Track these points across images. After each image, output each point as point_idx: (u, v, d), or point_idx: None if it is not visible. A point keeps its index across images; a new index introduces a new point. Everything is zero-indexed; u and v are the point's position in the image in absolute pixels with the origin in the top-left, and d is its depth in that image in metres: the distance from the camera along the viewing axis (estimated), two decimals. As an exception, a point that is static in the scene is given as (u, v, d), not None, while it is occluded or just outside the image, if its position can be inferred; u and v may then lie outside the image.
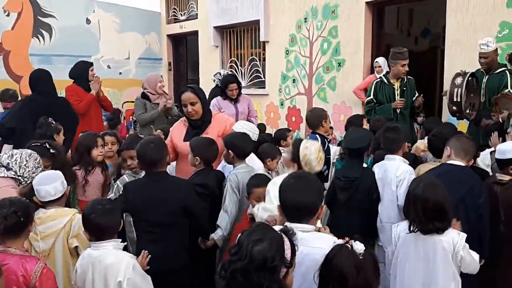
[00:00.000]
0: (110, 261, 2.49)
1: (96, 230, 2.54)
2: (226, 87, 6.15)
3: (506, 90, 4.75)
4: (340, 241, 2.03)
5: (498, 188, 3.32)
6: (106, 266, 2.47)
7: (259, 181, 3.29)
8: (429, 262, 2.66)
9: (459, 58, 6.05)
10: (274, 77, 8.74)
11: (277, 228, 1.95)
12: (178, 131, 4.15)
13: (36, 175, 3.08)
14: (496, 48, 5.09)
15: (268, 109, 9.02)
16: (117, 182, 3.72)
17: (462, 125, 5.92)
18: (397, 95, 5.53)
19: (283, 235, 1.87)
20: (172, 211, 3.02)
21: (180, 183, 3.26)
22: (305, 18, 8.02)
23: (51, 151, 3.51)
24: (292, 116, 8.42)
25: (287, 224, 2.19)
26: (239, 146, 3.63)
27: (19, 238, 2.52)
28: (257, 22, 8.91)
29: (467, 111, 4.94)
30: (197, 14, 10.70)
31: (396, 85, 5.58)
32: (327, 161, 4.54)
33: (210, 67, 10.28)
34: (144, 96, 5.96)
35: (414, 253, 2.70)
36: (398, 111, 5.48)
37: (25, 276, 2.36)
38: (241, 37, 9.70)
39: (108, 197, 3.56)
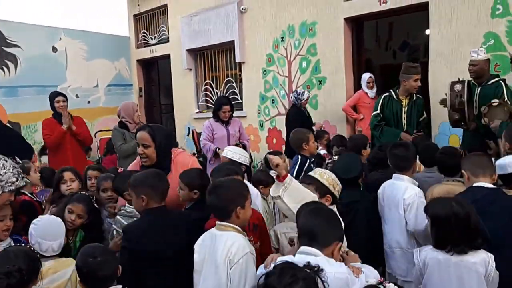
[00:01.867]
0: None
1: (92, 283, 2.36)
2: (220, 109, 5.91)
3: (494, 100, 4.60)
4: (374, 281, 2.04)
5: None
6: None
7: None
8: (464, 285, 2.51)
9: (444, 70, 5.94)
10: (252, 98, 8.51)
11: (299, 260, 1.95)
12: None
13: (16, 178, 2.80)
14: (488, 59, 4.95)
15: (247, 132, 8.70)
16: (113, 226, 3.36)
17: (454, 139, 5.78)
18: (404, 112, 5.33)
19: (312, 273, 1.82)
20: (179, 250, 2.77)
21: (184, 218, 3.04)
22: (282, 37, 7.83)
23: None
24: (273, 138, 8.16)
25: (297, 253, 2.19)
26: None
27: None
28: (231, 43, 8.70)
29: (469, 121, 4.77)
30: (168, 37, 10.43)
31: (404, 102, 5.38)
32: None
33: (184, 90, 10.02)
34: (122, 125, 5.64)
35: (447, 278, 2.51)
36: (404, 128, 5.32)
37: None
38: (215, 59, 9.46)
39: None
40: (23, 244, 2.61)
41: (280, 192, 2.76)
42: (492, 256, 2.49)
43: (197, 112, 9.86)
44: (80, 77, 10.43)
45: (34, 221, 2.80)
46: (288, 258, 2.18)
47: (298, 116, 6.59)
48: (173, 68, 10.33)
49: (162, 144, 3.44)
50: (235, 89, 9.00)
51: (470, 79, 4.96)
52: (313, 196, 2.79)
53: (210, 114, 9.20)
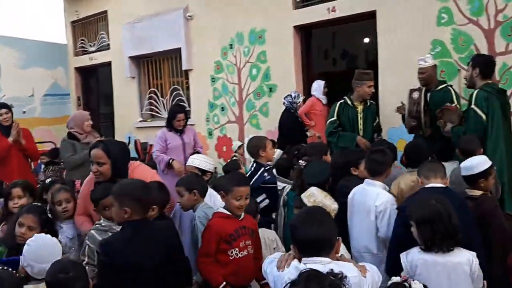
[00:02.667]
0: None
1: None
2: (174, 117, 5.77)
3: (447, 104, 4.80)
4: (398, 279, 2.15)
5: (470, 203, 3.31)
6: None
7: (240, 181, 3.20)
8: (451, 284, 2.58)
9: (392, 78, 6.12)
10: (200, 106, 8.40)
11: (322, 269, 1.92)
12: (88, 194, 3.45)
13: None
14: (435, 65, 5.17)
15: (195, 140, 8.60)
16: (87, 242, 3.14)
17: (401, 144, 5.95)
18: (360, 118, 5.44)
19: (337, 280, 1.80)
20: (159, 261, 2.68)
21: (166, 226, 3.00)
22: (231, 45, 7.81)
23: None
24: (223, 145, 8.08)
25: (305, 259, 2.14)
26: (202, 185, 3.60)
27: None
28: (177, 51, 8.57)
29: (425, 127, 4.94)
30: (108, 44, 10.13)
31: (359, 108, 5.49)
32: (268, 190, 4.38)
33: (126, 99, 9.75)
34: (71, 136, 5.40)
35: (436, 278, 2.57)
36: (360, 134, 5.42)
37: None
38: (160, 66, 9.27)
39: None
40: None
41: None
42: (475, 254, 2.58)
43: (140, 121, 9.61)
44: (15, 86, 9.94)
45: (28, 241, 2.62)
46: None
47: (291, 121, 6.53)
48: (115, 76, 10.03)
49: (118, 159, 3.38)
50: (183, 96, 8.86)
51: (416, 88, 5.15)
52: None
53: (155, 123, 9.20)
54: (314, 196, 2.98)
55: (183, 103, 8.72)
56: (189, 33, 8.38)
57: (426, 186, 3.13)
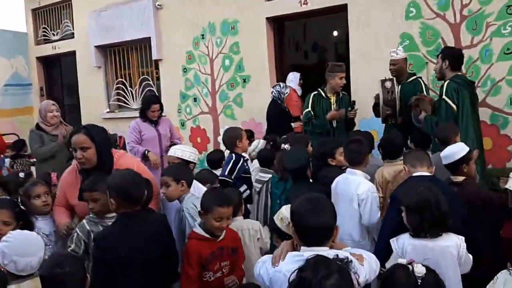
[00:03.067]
0: None
1: None
2: (148, 107, 5.69)
3: (423, 94, 5.07)
4: (404, 261, 2.12)
5: (455, 188, 3.47)
6: None
7: (223, 201, 3.00)
8: (441, 269, 2.63)
9: (364, 70, 6.36)
10: (171, 97, 8.39)
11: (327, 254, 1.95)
12: (70, 184, 3.40)
13: None
14: (406, 57, 5.42)
15: (166, 131, 8.61)
16: (76, 230, 3.13)
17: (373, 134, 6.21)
18: (333, 108, 5.60)
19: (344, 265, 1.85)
20: (151, 255, 2.72)
21: (158, 220, 2.95)
22: (202, 35, 7.84)
23: None
24: (197, 137, 8.14)
25: (304, 248, 2.13)
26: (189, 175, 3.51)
27: None
28: (147, 40, 8.51)
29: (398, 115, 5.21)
30: (73, 33, 9.92)
31: (332, 99, 5.67)
32: (247, 180, 4.55)
33: (92, 89, 9.61)
34: (39, 127, 5.27)
35: (425, 262, 2.58)
36: (334, 124, 5.56)
37: None
38: (128, 56, 9.17)
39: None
40: None
41: None
42: (463, 238, 2.70)
43: (107, 112, 9.50)
44: (-27, 77, 9.56)
45: (4, 238, 2.44)
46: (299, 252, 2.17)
47: (278, 111, 6.54)
48: (80, 66, 9.86)
49: (102, 144, 3.27)
50: (153, 87, 8.82)
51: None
52: None
53: (123, 114, 9.12)
54: (282, 214, 2.94)
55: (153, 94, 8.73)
56: (159, 22, 8.35)
57: (414, 174, 3.29)
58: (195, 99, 8.11)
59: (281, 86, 6.65)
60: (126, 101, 9.29)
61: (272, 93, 6.64)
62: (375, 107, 5.54)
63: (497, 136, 5.42)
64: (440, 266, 2.63)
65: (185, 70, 8.16)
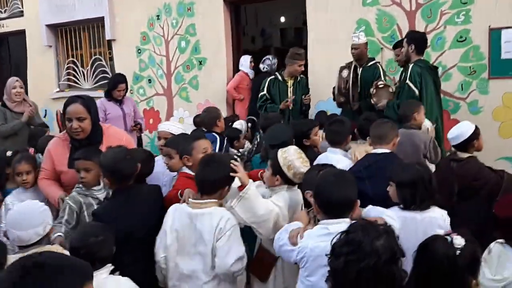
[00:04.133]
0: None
1: (94, 262, 2.14)
2: (115, 87, 5.54)
3: (380, 82, 5.04)
4: (441, 232, 2.19)
5: (454, 164, 3.58)
6: None
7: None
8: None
9: (321, 53, 6.30)
10: (124, 78, 8.04)
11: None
12: (59, 153, 3.33)
13: None
14: (366, 42, 5.39)
15: (119, 113, 8.29)
16: (68, 201, 2.99)
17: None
18: (290, 92, 5.54)
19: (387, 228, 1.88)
20: (149, 226, 2.71)
21: (153, 192, 2.97)
22: (158, 15, 7.57)
23: None
24: (150, 118, 7.87)
25: (325, 221, 2.22)
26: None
27: None
28: (100, 20, 8.15)
29: (353, 102, 5.16)
30: (22, 11, 9.38)
31: (290, 82, 5.60)
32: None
33: (42, 69, 9.14)
34: (4, 104, 5.26)
35: (414, 233, 2.65)
36: (290, 107, 5.47)
37: None
38: (79, 35, 8.76)
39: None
40: None
41: (234, 202, 2.58)
42: (446, 212, 2.76)
43: (57, 92, 9.05)
44: None
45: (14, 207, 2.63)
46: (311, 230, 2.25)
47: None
48: (29, 45, 9.34)
49: (96, 115, 3.32)
50: (106, 67, 8.47)
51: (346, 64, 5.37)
52: (266, 208, 2.62)
53: (71, 95, 8.67)
54: (287, 153, 2.86)
55: (106, 75, 8.41)
56: (113, 2, 7.98)
57: (372, 151, 3.30)
58: (149, 81, 7.83)
59: (271, 58, 6.65)
60: (77, 81, 8.90)
61: (263, 68, 6.58)
62: (334, 92, 5.51)
63: (448, 121, 5.46)
64: (428, 236, 2.64)
65: (139, 51, 7.86)
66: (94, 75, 8.61)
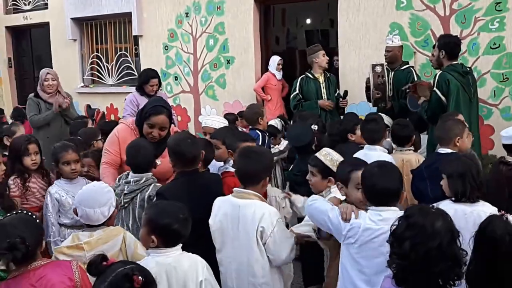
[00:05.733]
0: (187, 265, 2.21)
1: (174, 238, 2.22)
2: (147, 82, 5.41)
3: (419, 81, 5.00)
4: (495, 210, 2.27)
5: (504, 167, 3.48)
6: (185, 271, 2.19)
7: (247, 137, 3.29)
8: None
9: (352, 55, 6.24)
10: (151, 74, 7.97)
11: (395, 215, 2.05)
12: (127, 142, 3.30)
13: None
14: (401, 45, 5.32)
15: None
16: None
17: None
18: (323, 88, 5.52)
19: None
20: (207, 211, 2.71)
21: (216, 180, 3.02)
22: (187, 13, 7.49)
23: None
24: (177, 115, 7.78)
25: (375, 207, 2.28)
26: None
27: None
28: (127, 15, 8.07)
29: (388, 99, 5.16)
30: (46, 3, 9.30)
31: (321, 78, 5.58)
32: None
33: (66, 63, 9.06)
34: (37, 95, 5.21)
35: (464, 225, 2.55)
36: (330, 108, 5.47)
37: (71, 278, 2.04)
38: (105, 30, 8.68)
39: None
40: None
41: None
42: (496, 209, 2.66)
43: (81, 87, 8.99)
44: None
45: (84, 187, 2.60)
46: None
47: None
48: (53, 38, 9.25)
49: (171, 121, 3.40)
50: (131, 64, 8.39)
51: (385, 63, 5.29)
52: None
53: (97, 89, 8.68)
54: (329, 154, 2.91)
55: (131, 70, 8.34)
56: (141, -2, 7.92)
57: (437, 151, 3.36)
58: (176, 78, 7.76)
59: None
60: (101, 76, 8.83)
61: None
62: (367, 91, 5.44)
63: (482, 126, 5.41)
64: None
65: (166, 48, 7.79)
66: (119, 71, 8.53)
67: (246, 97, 6.98)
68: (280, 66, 6.96)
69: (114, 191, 2.69)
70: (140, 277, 1.72)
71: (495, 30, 5.48)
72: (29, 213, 2.21)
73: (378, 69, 5.14)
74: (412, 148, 3.80)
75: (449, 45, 4.62)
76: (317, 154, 2.94)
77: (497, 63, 5.51)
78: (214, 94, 7.40)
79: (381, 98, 5.17)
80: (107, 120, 6.13)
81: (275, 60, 6.94)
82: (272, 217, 2.49)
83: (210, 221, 2.60)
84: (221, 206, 2.60)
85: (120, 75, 8.56)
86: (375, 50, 5.95)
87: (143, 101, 5.42)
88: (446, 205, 2.65)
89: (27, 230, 2.02)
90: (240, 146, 3.06)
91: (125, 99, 5.58)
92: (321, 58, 5.57)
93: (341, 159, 2.88)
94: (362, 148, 3.71)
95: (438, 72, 4.56)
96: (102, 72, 8.80)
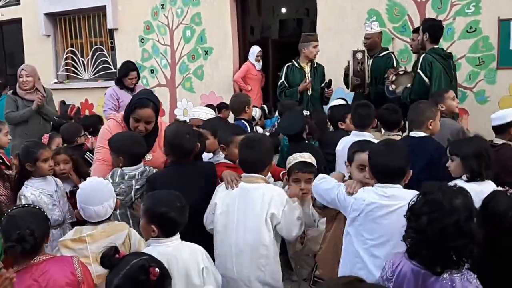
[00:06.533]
0: (187, 253, 2.21)
1: (172, 227, 2.21)
2: (126, 75, 5.27)
3: (401, 69, 4.97)
4: (500, 188, 2.26)
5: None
6: (186, 259, 2.19)
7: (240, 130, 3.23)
8: None
9: (330, 43, 6.15)
10: (126, 68, 7.78)
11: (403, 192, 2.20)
12: None
13: None
14: (381, 32, 5.27)
15: (120, 103, 8.03)
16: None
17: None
18: (309, 78, 5.34)
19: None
20: (204, 199, 2.74)
21: (209, 168, 2.98)
22: (162, 5, 7.33)
23: None
24: (153, 108, 7.63)
25: (380, 184, 2.28)
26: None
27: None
28: (101, 9, 7.87)
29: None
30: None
31: (306, 68, 5.39)
32: None
33: (40, 59, 8.72)
34: (15, 92, 5.08)
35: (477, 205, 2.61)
36: (309, 93, 5.29)
37: (73, 273, 2.06)
38: (79, 24, 8.45)
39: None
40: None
41: None
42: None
43: (55, 83, 8.72)
44: None
45: (80, 185, 2.54)
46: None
47: None
48: (26, 34, 8.97)
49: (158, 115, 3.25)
50: (107, 57, 8.18)
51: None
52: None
53: (72, 85, 8.44)
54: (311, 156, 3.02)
55: (108, 65, 8.13)
56: (115, -10, 7.72)
57: (410, 134, 3.35)
58: (152, 71, 7.59)
59: None
60: (76, 71, 8.59)
61: None
62: (345, 78, 5.38)
63: (456, 109, 5.41)
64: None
65: (142, 41, 7.61)
66: (95, 65, 8.31)
67: (223, 88, 6.87)
68: (259, 57, 6.87)
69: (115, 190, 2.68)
70: (156, 269, 1.67)
71: (471, 14, 5.47)
72: (36, 206, 2.23)
73: (359, 55, 5.09)
74: (400, 133, 3.78)
75: (433, 28, 4.62)
76: (305, 159, 2.98)
77: (473, 47, 5.50)
78: (192, 86, 7.26)
79: (360, 84, 5.12)
80: (88, 115, 5.95)
81: (255, 50, 6.85)
82: (282, 198, 2.56)
83: (216, 205, 2.63)
84: (229, 190, 2.63)
85: (96, 69, 8.34)
86: (353, 36, 5.89)
87: (122, 94, 5.36)
88: (459, 184, 2.62)
89: (36, 222, 2.04)
90: (234, 140, 3.04)
91: (105, 94, 5.42)
92: (310, 50, 5.33)
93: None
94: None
95: (422, 55, 4.53)
96: (78, 68, 8.56)
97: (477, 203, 2.41)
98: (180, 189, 2.40)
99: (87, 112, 8.02)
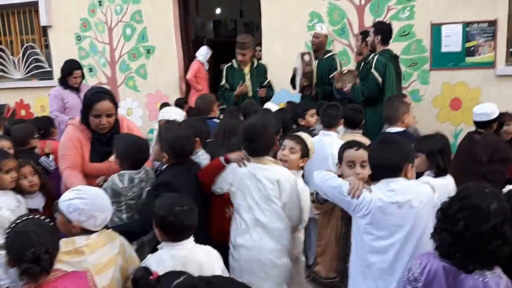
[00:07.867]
0: (202, 256, 2.18)
1: (181, 231, 2.15)
2: (70, 74, 4.98)
3: (344, 68, 5.09)
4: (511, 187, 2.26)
5: (477, 136, 3.85)
6: (201, 262, 2.16)
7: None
8: None
9: (275, 44, 6.19)
10: (62, 66, 7.36)
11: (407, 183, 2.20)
12: (83, 143, 3.08)
13: None
14: (327, 35, 5.35)
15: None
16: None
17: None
18: (248, 79, 5.28)
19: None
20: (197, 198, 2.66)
21: (196, 166, 2.95)
22: (100, 2, 6.98)
23: None
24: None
25: (386, 179, 2.25)
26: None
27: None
28: (33, 4, 7.36)
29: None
30: None
31: (246, 69, 5.31)
32: None
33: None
34: None
35: (442, 196, 2.70)
36: (249, 95, 5.23)
37: None
38: (8, 21, 7.85)
39: None
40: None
41: None
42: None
43: (-18, 83, 8.08)
44: None
45: (75, 195, 2.20)
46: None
47: None
48: None
49: (116, 108, 3.14)
50: (40, 55, 7.67)
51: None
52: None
53: (2, 85, 7.83)
54: (310, 139, 3.01)
55: (41, 63, 7.65)
56: (48, -14, 7.25)
57: (386, 130, 3.54)
58: (90, 69, 7.23)
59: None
60: (6, 70, 8.00)
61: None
62: (293, 80, 5.43)
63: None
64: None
65: (79, 38, 7.22)
66: (27, 64, 7.78)
67: (170, 87, 6.70)
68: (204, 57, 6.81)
69: (120, 195, 2.67)
70: None
71: (405, 19, 5.71)
72: (41, 217, 1.97)
73: (307, 57, 5.15)
74: (361, 131, 3.89)
75: (385, 31, 4.78)
76: (299, 134, 2.99)
77: (406, 49, 5.74)
78: (135, 85, 7.00)
79: (308, 86, 5.20)
80: (38, 116, 5.51)
81: (209, 52, 6.81)
82: (290, 178, 2.64)
83: (230, 181, 2.68)
84: (239, 169, 2.68)
85: (29, 68, 7.80)
86: (297, 37, 5.96)
87: (67, 94, 5.09)
88: (430, 181, 2.67)
89: (49, 236, 1.86)
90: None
91: (49, 94, 5.13)
92: (238, 58, 5.24)
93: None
94: (314, 130, 3.84)
95: (376, 56, 4.69)
96: (7, 66, 7.97)
97: (445, 197, 2.45)
98: (186, 186, 2.54)
99: (23, 113, 7.51)
